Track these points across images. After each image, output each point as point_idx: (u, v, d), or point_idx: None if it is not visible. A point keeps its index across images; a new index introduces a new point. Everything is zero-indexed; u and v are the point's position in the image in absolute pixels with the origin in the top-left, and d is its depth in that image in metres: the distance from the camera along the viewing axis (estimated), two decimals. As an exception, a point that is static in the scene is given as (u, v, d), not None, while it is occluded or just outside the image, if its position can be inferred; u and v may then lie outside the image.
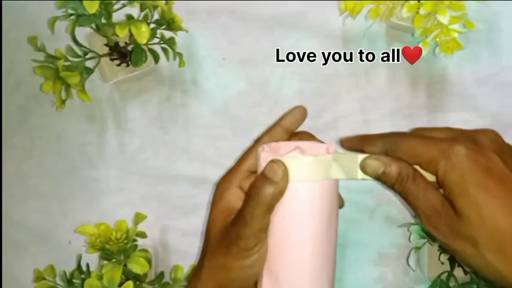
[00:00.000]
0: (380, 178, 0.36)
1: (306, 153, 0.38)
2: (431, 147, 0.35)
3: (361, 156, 0.36)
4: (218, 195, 0.38)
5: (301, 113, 0.40)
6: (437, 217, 0.34)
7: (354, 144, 0.40)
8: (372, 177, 0.37)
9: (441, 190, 0.35)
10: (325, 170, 0.36)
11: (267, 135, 0.40)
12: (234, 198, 0.38)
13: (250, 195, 0.35)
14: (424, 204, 0.35)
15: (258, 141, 0.40)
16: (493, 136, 0.36)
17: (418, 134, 0.39)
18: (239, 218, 0.35)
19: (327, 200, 0.36)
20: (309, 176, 0.35)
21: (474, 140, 0.36)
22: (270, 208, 0.35)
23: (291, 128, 0.40)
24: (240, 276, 0.36)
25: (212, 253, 0.37)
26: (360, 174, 0.36)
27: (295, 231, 0.36)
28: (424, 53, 0.52)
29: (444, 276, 0.52)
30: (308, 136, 0.41)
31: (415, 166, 0.36)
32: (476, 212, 0.33)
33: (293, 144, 0.39)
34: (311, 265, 0.36)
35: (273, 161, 0.34)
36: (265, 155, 0.36)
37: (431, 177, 0.35)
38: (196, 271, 0.38)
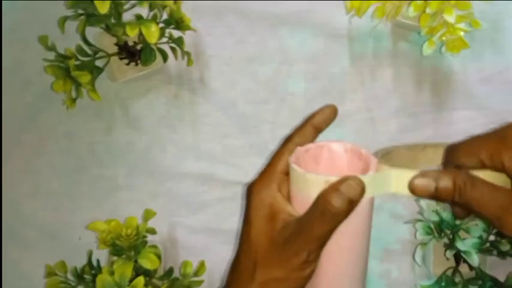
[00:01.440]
0: (435, 196, 0.33)
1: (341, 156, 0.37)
2: (490, 139, 0.34)
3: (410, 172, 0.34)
4: (258, 200, 0.36)
5: (331, 111, 0.39)
6: (506, 213, 0.32)
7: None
8: (425, 197, 0.34)
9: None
10: (380, 186, 0.35)
11: (298, 134, 0.38)
12: (277, 203, 0.36)
13: (317, 209, 0.33)
14: (492, 207, 0.32)
15: (288, 141, 0.38)
16: None
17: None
18: (302, 232, 0.34)
19: (370, 213, 0.36)
20: (369, 192, 0.34)
21: None
22: (336, 225, 0.33)
23: (320, 127, 0.39)
24: (293, 287, 0.35)
25: (266, 266, 0.35)
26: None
27: (347, 243, 0.36)
28: (430, 51, 0.52)
29: (450, 272, 0.53)
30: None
31: (475, 172, 0.33)
32: None
33: (324, 146, 0.38)
34: (358, 273, 0.37)
35: (350, 177, 0.33)
36: (311, 175, 0.34)
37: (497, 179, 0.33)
38: (246, 284, 0.36)
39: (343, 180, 0.33)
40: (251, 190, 0.37)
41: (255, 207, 0.36)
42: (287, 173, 0.37)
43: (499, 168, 0.33)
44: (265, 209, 0.36)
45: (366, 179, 0.34)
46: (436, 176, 0.33)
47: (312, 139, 0.39)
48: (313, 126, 0.38)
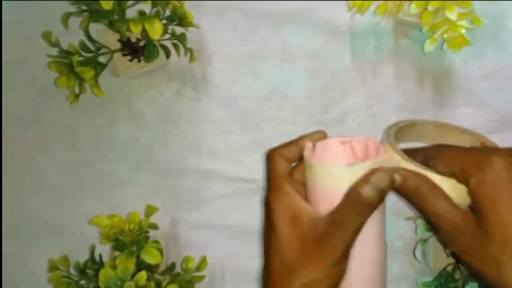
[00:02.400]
0: (399, 191, 0.35)
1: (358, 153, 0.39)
2: (468, 156, 0.34)
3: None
4: (280, 208, 0.37)
5: (320, 136, 0.41)
6: (458, 233, 0.33)
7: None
8: (391, 188, 0.36)
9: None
10: None
11: (285, 148, 0.40)
12: (298, 205, 0.37)
13: (356, 203, 0.34)
14: (444, 220, 0.33)
15: (274, 151, 0.40)
16: None
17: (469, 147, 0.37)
18: (339, 226, 0.35)
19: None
20: None
21: None
22: (368, 216, 0.35)
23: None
24: (332, 285, 0.36)
25: (303, 268, 0.35)
26: None
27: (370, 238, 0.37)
28: (431, 48, 0.52)
29: (450, 268, 0.53)
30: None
31: (446, 178, 0.34)
32: (504, 232, 0.31)
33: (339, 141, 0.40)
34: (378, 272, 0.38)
35: (378, 170, 0.35)
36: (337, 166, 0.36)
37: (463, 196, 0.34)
38: (293, 281, 0.35)
39: (373, 171, 0.34)
40: (269, 201, 0.38)
41: (278, 215, 0.37)
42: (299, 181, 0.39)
43: (468, 186, 0.33)
44: (288, 214, 0.36)
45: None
46: (404, 175, 0.35)
47: (295, 158, 0.40)
48: (298, 146, 0.40)
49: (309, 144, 0.39)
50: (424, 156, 0.37)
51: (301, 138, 0.40)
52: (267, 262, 0.38)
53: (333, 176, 0.36)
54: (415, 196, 0.35)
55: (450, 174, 0.35)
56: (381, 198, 0.35)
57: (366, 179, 0.34)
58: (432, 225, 0.35)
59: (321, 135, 0.41)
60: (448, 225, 0.33)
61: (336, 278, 0.35)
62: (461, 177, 0.34)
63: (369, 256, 0.37)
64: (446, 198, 0.34)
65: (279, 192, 0.37)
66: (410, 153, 0.38)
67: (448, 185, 0.34)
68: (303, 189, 0.39)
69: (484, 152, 0.34)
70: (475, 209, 0.33)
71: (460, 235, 0.33)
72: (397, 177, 0.35)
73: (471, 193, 0.33)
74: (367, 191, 0.34)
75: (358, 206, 0.34)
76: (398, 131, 0.40)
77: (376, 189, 0.34)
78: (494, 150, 0.34)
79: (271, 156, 0.40)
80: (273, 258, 0.37)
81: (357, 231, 0.35)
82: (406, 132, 0.41)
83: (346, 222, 0.34)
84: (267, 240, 0.38)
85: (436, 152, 0.36)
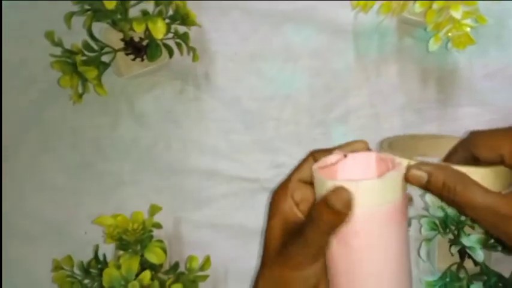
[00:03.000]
0: (427, 189, 0.34)
1: (360, 167, 0.37)
2: None
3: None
4: (274, 207, 0.39)
5: (361, 146, 0.38)
6: (503, 220, 0.31)
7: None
8: (418, 187, 0.34)
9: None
10: (392, 190, 0.34)
11: (322, 153, 0.39)
12: (288, 209, 0.38)
13: (311, 218, 0.35)
14: (485, 212, 0.32)
15: (311, 154, 0.39)
16: None
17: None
18: (299, 237, 0.35)
19: (393, 223, 0.34)
20: (374, 200, 0.33)
21: None
22: (329, 233, 0.34)
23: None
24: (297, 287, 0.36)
25: (271, 264, 0.38)
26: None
27: (361, 260, 0.35)
28: (436, 47, 0.52)
29: (454, 268, 0.53)
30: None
31: (489, 167, 0.33)
32: None
33: (347, 157, 0.37)
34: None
35: (337, 189, 0.33)
36: (320, 176, 0.35)
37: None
38: (257, 279, 0.39)
39: (333, 190, 0.33)
40: (272, 198, 0.39)
41: (272, 212, 0.38)
42: (305, 182, 0.38)
43: None
44: (279, 215, 0.38)
45: (369, 184, 0.33)
46: (430, 170, 0.34)
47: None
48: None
49: (321, 161, 0.37)
50: (463, 150, 0.37)
51: (343, 145, 0.39)
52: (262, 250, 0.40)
53: (324, 189, 0.34)
54: (445, 191, 0.33)
55: (497, 159, 0.33)
56: (338, 218, 0.33)
57: (327, 197, 0.33)
58: (473, 219, 0.33)
59: (363, 145, 0.39)
60: (489, 214, 0.32)
61: (298, 282, 0.36)
62: (510, 159, 0.33)
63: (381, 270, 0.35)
64: (480, 187, 0.33)
65: (280, 194, 0.39)
66: (447, 159, 0.38)
67: (479, 174, 0.32)
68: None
69: None
70: None
71: (506, 221, 0.31)
72: (422, 174, 0.34)
73: None
74: (325, 211, 0.33)
75: (314, 222, 0.34)
76: (389, 145, 0.40)
77: (333, 209, 0.33)
78: None
79: (307, 157, 0.39)
80: (263, 249, 0.39)
81: (318, 243, 0.35)
82: (396, 146, 0.41)
83: (306, 234, 0.35)
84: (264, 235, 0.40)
85: (476, 139, 0.35)
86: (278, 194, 0.39)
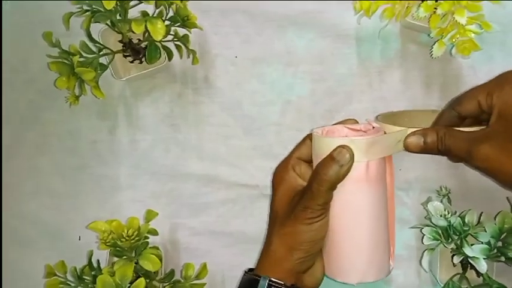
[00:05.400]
0: (425, 149, 0.42)
1: (358, 134, 0.45)
2: (486, 84, 0.41)
3: (408, 130, 0.43)
4: (279, 179, 0.47)
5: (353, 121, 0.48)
6: (478, 146, 0.39)
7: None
8: (417, 151, 0.43)
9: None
10: (381, 149, 0.42)
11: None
12: (293, 179, 0.46)
13: (317, 173, 0.42)
14: (465, 143, 0.40)
15: (308, 136, 0.47)
16: None
17: None
18: (307, 192, 0.43)
19: (380, 174, 0.43)
20: (368, 155, 0.42)
21: None
22: (334, 186, 0.42)
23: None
24: (306, 240, 0.43)
25: (282, 222, 0.44)
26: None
27: (353, 205, 0.43)
28: (440, 53, 0.51)
29: (457, 278, 0.52)
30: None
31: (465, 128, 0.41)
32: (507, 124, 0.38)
33: (344, 127, 0.47)
34: (368, 235, 0.43)
35: (341, 146, 0.41)
36: (320, 137, 0.44)
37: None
38: (268, 239, 0.46)
39: (337, 148, 0.41)
40: (275, 173, 0.48)
41: (278, 184, 0.46)
42: (304, 159, 0.47)
43: (491, 105, 0.40)
44: (285, 185, 0.46)
45: (360, 143, 0.41)
46: (423, 133, 0.42)
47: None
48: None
49: (317, 129, 0.46)
50: (448, 112, 0.44)
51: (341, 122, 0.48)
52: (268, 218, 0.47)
53: (325, 147, 0.42)
54: (439, 143, 0.42)
55: (476, 107, 0.42)
56: (341, 171, 0.41)
57: (331, 155, 0.42)
58: (459, 155, 0.41)
59: (352, 121, 0.48)
60: (468, 145, 0.40)
61: (306, 234, 0.43)
62: (486, 102, 0.41)
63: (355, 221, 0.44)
64: (461, 131, 0.41)
65: (282, 167, 0.47)
66: (435, 124, 0.46)
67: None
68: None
69: (498, 76, 0.41)
70: (497, 118, 0.40)
71: (481, 146, 0.39)
72: (419, 139, 0.42)
73: (495, 107, 0.40)
74: (328, 167, 0.42)
75: (318, 178, 0.42)
76: (383, 118, 0.48)
77: (337, 164, 0.41)
78: (508, 71, 0.41)
79: (304, 139, 0.48)
80: (270, 215, 0.47)
81: (323, 198, 0.42)
82: (388, 119, 0.48)
83: (312, 190, 0.42)
84: (270, 204, 0.47)
85: (459, 97, 0.43)
86: (281, 167, 0.47)
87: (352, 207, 0.43)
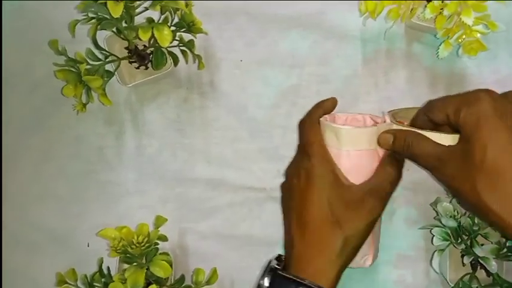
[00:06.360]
0: (392, 148, 0.44)
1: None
2: (458, 97, 0.40)
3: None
4: (321, 171, 0.46)
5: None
6: (443, 165, 0.40)
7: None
8: (386, 148, 0.45)
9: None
10: (355, 140, 0.46)
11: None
12: (337, 171, 0.47)
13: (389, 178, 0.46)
14: (430, 158, 0.41)
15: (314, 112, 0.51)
16: None
17: None
18: (379, 190, 0.46)
19: (363, 166, 0.47)
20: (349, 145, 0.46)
21: (505, 94, 0.40)
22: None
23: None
24: (363, 241, 0.46)
25: (346, 222, 0.44)
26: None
27: None
28: (446, 53, 0.51)
29: (466, 279, 0.52)
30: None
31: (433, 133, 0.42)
32: (481, 153, 0.37)
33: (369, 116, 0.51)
34: None
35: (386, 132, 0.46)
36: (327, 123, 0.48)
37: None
38: (332, 241, 0.45)
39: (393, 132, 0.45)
40: (312, 164, 0.46)
41: (321, 176, 0.45)
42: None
43: (458, 122, 0.40)
44: (330, 177, 0.45)
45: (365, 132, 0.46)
46: (394, 133, 0.44)
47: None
48: (324, 110, 0.51)
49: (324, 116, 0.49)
50: (422, 115, 0.44)
51: (319, 104, 0.51)
52: (302, 215, 0.45)
53: (351, 136, 0.46)
54: (405, 147, 0.43)
55: (445, 119, 0.41)
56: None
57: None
58: (425, 167, 0.43)
59: (334, 101, 0.51)
60: (434, 160, 0.41)
61: (367, 234, 0.44)
62: (454, 117, 0.40)
63: None
64: (431, 141, 0.42)
65: (323, 157, 0.46)
66: (411, 124, 0.47)
67: (436, 137, 0.42)
68: None
69: (473, 91, 0.40)
70: (462, 138, 0.39)
71: (445, 165, 0.40)
72: (389, 137, 0.45)
73: (461, 126, 0.39)
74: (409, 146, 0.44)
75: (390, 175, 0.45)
76: (394, 114, 0.50)
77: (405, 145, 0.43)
78: (482, 89, 0.40)
79: (313, 124, 0.48)
80: (311, 211, 0.45)
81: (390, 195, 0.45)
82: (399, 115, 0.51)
83: (384, 186, 0.45)
84: (303, 197, 0.45)
85: (430, 104, 0.43)
86: (320, 159, 0.47)
87: None
